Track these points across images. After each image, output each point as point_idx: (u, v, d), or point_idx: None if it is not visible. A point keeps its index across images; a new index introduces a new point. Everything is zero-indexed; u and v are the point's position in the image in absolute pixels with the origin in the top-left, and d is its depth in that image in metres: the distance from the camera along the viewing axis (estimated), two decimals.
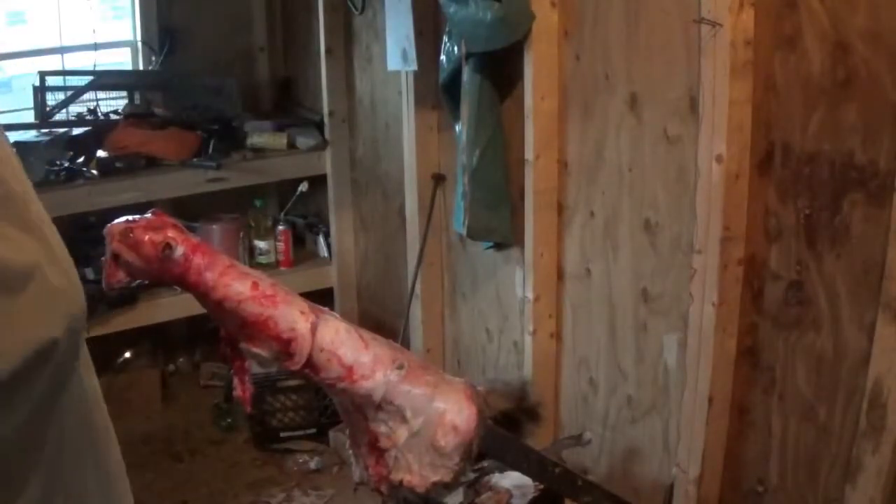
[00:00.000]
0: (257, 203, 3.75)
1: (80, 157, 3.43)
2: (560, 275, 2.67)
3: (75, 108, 3.69)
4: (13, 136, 3.42)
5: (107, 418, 0.78)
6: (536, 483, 2.11)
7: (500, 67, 2.63)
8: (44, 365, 0.62)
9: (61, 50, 3.94)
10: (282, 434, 3.42)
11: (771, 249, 1.98)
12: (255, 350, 1.49)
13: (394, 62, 3.08)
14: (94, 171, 3.37)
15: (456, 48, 2.64)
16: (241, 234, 3.66)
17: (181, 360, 4.02)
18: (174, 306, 3.39)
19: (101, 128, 3.60)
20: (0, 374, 0.58)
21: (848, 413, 1.85)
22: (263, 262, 3.68)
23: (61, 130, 3.60)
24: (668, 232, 2.26)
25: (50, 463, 0.69)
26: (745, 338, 2.08)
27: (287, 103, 4.21)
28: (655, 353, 2.36)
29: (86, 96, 3.70)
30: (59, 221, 0.72)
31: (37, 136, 3.53)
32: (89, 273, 3.08)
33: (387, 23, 3.08)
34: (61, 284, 0.65)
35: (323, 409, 3.36)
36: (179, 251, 1.39)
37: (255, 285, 1.46)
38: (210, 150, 3.58)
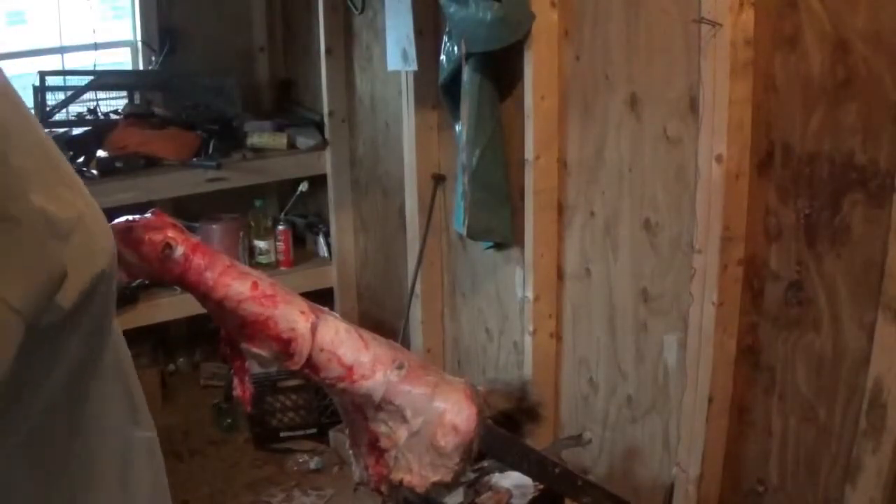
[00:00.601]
0: (257, 203, 3.75)
1: (81, 156, 3.42)
2: (560, 275, 2.67)
3: (75, 108, 3.69)
4: None
5: (128, 353, 0.95)
6: (536, 483, 2.11)
7: (500, 67, 2.63)
8: (96, 292, 0.80)
9: (61, 50, 3.94)
10: (282, 434, 3.42)
11: (771, 249, 1.98)
12: (255, 350, 1.49)
13: (394, 62, 3.08)
14: (94, 171, 3.37)
15: (456, 48, 2.64)
16: (241, 234, 3.66)
17: (181, 360, 4.03)
18: (174, 306, 3.39)
19: (101, 128, 3.60)
20: (65, 305, 0.75)
21: (848, 413, 1.85)
22: (263, 262, 3.68)
23: (61, 130, 3.60)
24: (668, 232, 2.26)
25: (106, 378, 0.88)
26: (745, 338, 2.08)
27: (287, 103, 4.20)
28: (655, 353, 2.36)
29: (86, 96, 3.71)
30: None
31: None
32: None
33: (387, 23, 3.08)
34: (99, 228, 0.82)
35: (323, 409, 3.36)
36: (179, 251, 1.39)
37: (255, 285, 1.46)
38: (210, 150, 3.58)
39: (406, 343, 3.29)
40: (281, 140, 3.75)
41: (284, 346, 1.49)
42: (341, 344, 1.53)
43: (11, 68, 3.96)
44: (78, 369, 0.82)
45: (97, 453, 0.89)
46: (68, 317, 0.76)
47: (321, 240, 3.94)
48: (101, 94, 3.75)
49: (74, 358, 0.81)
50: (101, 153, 3.47)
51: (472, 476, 2.11)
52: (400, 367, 1.58)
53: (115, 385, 0.92)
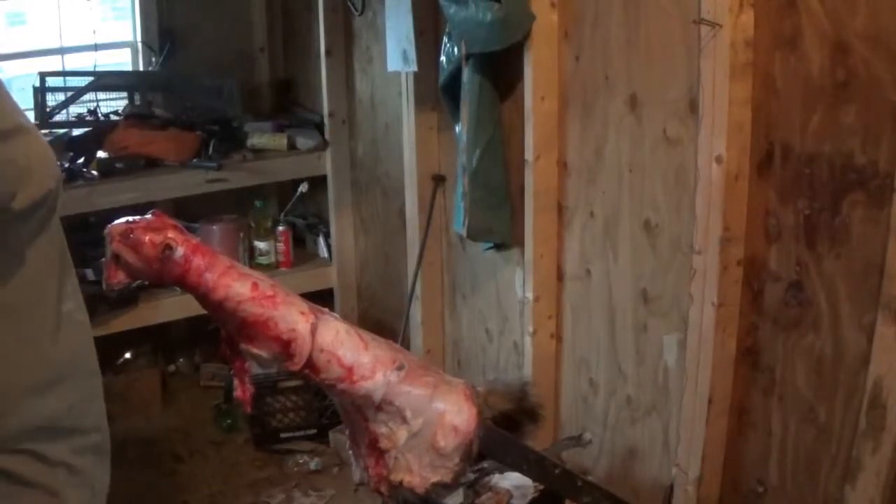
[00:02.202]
0: (258, 204, 3.75)
1: (81, 157, 3.42)
2: (560, 275, 2.67)
3: (75, 109, 3.69)
4: None
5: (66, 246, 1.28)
6: (536, 484, 2.12)
7: (500, 68, 2.63)
8: (46, 204, 1.12)
9: (61, 51, 3.94)
10: (282, 435, 3.41)
11: (771, 250, 1.98)
12: (256, 351, 1.50)
13: (394, 63, 3.08)
14: (95, 172, 3.37)
15: (456, 49, 2.64)
16: (242, 235, 3.66)
17: (181, 360, 4.02)
18: (174, 307, 3.39)
19: (101, 128, 3.60)
20: (23, 203, 1.09)
21: (848, 413, 1.85)
22: (263, 262, 3.68)
23: (62, 131, 3.60)
24: (667, 232, 2.26)
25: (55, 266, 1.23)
26: (745, 338, 2.08)
27: (287, 104, 4.20)
28: (655, 353, 2.36)
29: (86, 97, 3.70)
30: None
31: None
32: (89, 274, 3.07)
33: (387, 23, 3.08)
34: (47, 152, 1.15)
35: (323, 409, 3.36)
36: (179, 252, 1.39)
37: (255, 286, 1.46)
38: (210, 151, 3.58)
39: (406, 344, 3.29)
40: (281, 141, 3.75)
41: (284, 347, 1.49)
42: (341, 345, 1.53)
43: (12, 69, 3.97)
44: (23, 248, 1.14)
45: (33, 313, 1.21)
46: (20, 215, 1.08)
47: (321, 240, 3.94)
48: (101, 95, 3.75)
49: (21, 242, 1.13)
50: (101, 154, 3.47)
51: (471, 477, 2.11)
52: (400, 368, 1.58)
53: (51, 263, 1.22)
